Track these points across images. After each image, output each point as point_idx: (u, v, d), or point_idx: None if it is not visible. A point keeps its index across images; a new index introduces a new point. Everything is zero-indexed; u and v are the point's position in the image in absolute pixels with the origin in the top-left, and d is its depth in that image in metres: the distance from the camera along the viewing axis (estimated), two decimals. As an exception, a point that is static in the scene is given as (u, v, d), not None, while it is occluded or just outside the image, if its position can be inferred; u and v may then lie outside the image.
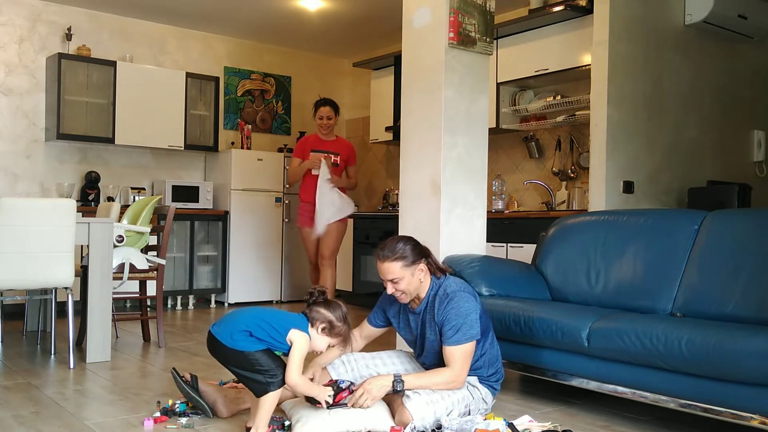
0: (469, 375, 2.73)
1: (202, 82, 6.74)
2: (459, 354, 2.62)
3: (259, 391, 2.44)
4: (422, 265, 2.71)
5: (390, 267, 2.66)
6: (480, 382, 2.76)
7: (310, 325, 2.53)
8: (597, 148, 4.54)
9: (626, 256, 3.31)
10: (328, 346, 2.58)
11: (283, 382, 2.43)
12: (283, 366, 2.44)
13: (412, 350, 3.04)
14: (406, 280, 2.67)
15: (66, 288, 3.78)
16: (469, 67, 3.89)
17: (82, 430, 2.62)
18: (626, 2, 4.58)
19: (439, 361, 2.75)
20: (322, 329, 2.52)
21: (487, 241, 4.12)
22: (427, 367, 2.88)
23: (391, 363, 2.93)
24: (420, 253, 2.73)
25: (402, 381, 2.58)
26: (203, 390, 2.79)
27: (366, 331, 3.03)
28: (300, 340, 2.45)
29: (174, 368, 2.88)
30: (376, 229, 6.46)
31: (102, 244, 3.91)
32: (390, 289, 2.71)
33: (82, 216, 4.14)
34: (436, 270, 2.79)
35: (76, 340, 4.06)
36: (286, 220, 6.97)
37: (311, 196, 5.33)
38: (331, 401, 2.50)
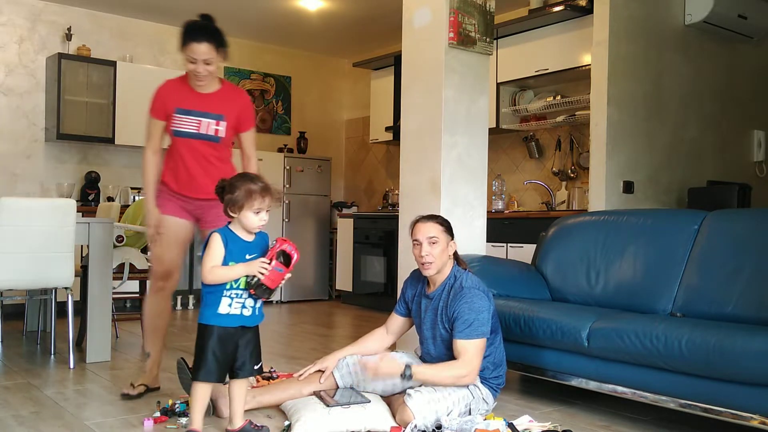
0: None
1: (202, 82, 6.73)
2: (471, 348, 2.63)
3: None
4: (454, 244, 2.81)
5: (433, 227, 2.76)
6: (482, 382, 2.76)
7: (231, 221, 2.44)
8: (597, 148, 4.54)
9: (626, 257, 3.31)
10: (266, 212, 2.41)
11: (204, 377, 2.37)
12: (212, 360, 2.36)
13: (415, 353, 3.04)
14: (441, 245, 2.74)
15: (66, 288, 3.78)
16: (469, 67, 3.89)
17: (82, 430, 2.62)
18: (626, 2, 4.59)
19: (436, 351, 2.78)
20: (239, 206, 2.37)
21: (487, 241, 4.12)
22: (425, 355, 2.90)
23: (395, 364, 2.93)
24: (452, 235, 2.83)
25: (410, 371, 2.60)
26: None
27: (393, 324, 3.04)
28: (210, 241, 2.39)
29: (182, 358, 2.86)
30: (376, 229, 6.46)
31: (102, 244, 3.91)
32: (425, 250, 2.73)
33: (82, 216, 4.14)
34: (460, 261, 2.86)
35: (76, 340, 4.06)
36: (287, 219, 6.97)
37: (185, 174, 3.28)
38: (265, 271, 2.33)
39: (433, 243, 2.74)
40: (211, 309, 2.38)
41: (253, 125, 3.31)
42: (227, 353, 2.40)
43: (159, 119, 3.19)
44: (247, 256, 2.39)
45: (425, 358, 2.93)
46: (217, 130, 3.19)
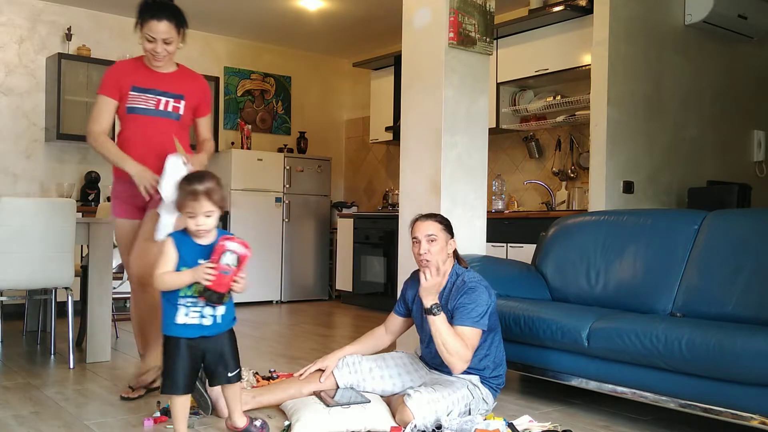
0: (472, 374, 2.75)
1: (202, 82, 6.74)
2: (469, 334, 2.62)
3: None
4: (453, 243, 2.83)
5: (432, 225, 2.78)
6: (482, 382, 2.77)
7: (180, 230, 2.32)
8: (597, 148, 4.54)
9: (626, 256, 3.31)
10: (207, 216, 2.23)
11: (169, 390, 2.24)
12: (175, 371, 2.23)
13: (415, 353, 3.05)
14: (440, 243, 2.75)
15: (66, 288, 3.79)
16: (469, 67, 3.89)
17: (82, 430, 2.62)
18: (626, 2, 4.59)
19: (437, 350, 2.76)
20: (179, 209, 2.26)
21: (487, 241, 4.12)
22: (426, 355, 2.90)
23: (394, 365, 2.93)
24: (452, 233, 2.85)
25: (439, 311, 2.58)
26: (208, 387, 2.78)
27: (392, 324, 3.03)
28: (163, 246, 2.29)
29: None
30: (376, 229, 6.46)
31: (102, 244, 3.91)
32: (423, 248, 2.74)
33: (82, 216, 4.14)
34: (460, 259, 2.88)
35: (76, 340, 4.06)
36: (287, 219, 6.96)
37: (140, 155, 3.06)
38: (210, 276, 2.15)
39: (432, 241, 2.75)
40: (170, 318, 2.24)
41: (210, 111, 3.25)
42: (193, 365, 2.27)
43: (112, 98, 2.98)
44: (200, 261, 2.22)
45: (425, 358, 2.94)
46: (176, 107, 3.03)
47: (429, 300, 2.60)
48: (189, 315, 2.23)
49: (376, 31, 6.80)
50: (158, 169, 2.90)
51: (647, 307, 3.10)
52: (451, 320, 2.67)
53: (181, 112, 3.03)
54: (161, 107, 2.98)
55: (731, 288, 2.86)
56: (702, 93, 5.12)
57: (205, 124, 3.23)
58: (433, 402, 2.57)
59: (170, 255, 2.24)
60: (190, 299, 2.23)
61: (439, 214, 2.90)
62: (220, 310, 2.26)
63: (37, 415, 2.80)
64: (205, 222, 2.23)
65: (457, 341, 2.59)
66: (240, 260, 2.20)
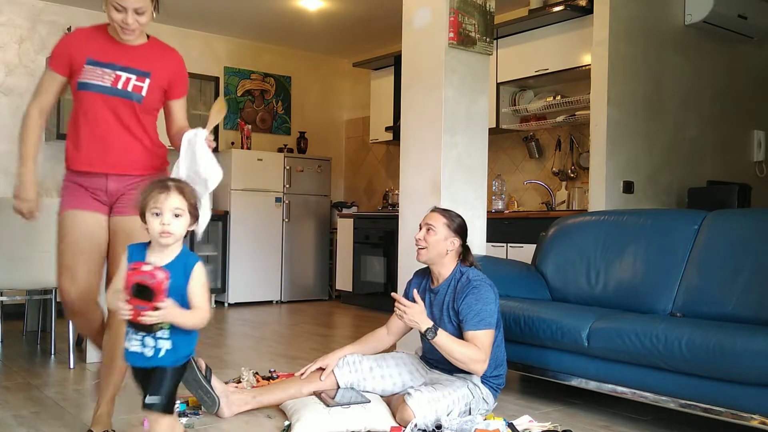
0: (473, 373, 2.75)
1: (201, 82, 6.74)
2: (482, 337, 2.65)
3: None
4: (457, 242, 2.84)
5: (435, 217, 2.84)
6: (482, 382, 2.77)
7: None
8: (597, 148, 4.54)
9: (626, 256, 3.31)
10: (176, 216, 1.88)
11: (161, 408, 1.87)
12: (162, 390, 1.87)
13: (416, 353, 3.05)
14: (438, 236, 2.80)
15: (66, 288, 3.77)
16: (469, 67, 3.89)
17: (82, 430, 2.62)
18: (626, 2, 4.59)
19: (430, 347, 2.76)
20: (142, 211, 1.89)
21: (487, 241, 4.12)
22: (428, 352, 2.91)
23: (395, 364, 2.93)
24: (462, 234, 2.87)
25: (436, 332, 2.60)
26: (213, 385, 2.78)
27: (394, 325, 3.03)
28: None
29: (192, 357, 2.84)
30: (376, 230, 6.46)
31: (102, 244, 3.90)
32: (420, 234, 2.83)
33: (82, 216, 4.13)
34: (466, 259, 2.89)
35: (76, 341, 4.05)
36: (287, 219, 6.96)
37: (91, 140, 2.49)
38: (125, 312, 1.78)
39: (429, 230, 2.80)
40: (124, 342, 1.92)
41: (186, 92, 2.62)
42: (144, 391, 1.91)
43: (59, 73, 2.45)
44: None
45: (427, 355, 2.94)
46: (138, 87, 2.44)
47: (423, 325, 2.62)
48: (131, 342, 1.87)
49: (376, 31, 6.80)
50: (110, 163, 2.42)
51: (647, 307, 3.10)
52: (460, 322, 2.69)
53: (144, 93, 2.44)
54: (119, 85, 2.42)
55: (731, 288, 2.86)
56: (702, 93, 5.12)
57: (180, 109, 2.60)
58: (434, 401, 2.58)
59: (121, 269, 1.88)
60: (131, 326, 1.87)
61: (453, 213, 2.90)
62: (165, 343, 1.85)
63: (37, 415, 2.80)
64: (170, 222, 1.85)
65: (467, 349, 2.62)
66: (154, 291, 1.75)
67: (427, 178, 3.84)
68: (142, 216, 1.88)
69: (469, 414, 2.67)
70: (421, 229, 2.85)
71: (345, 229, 6.87)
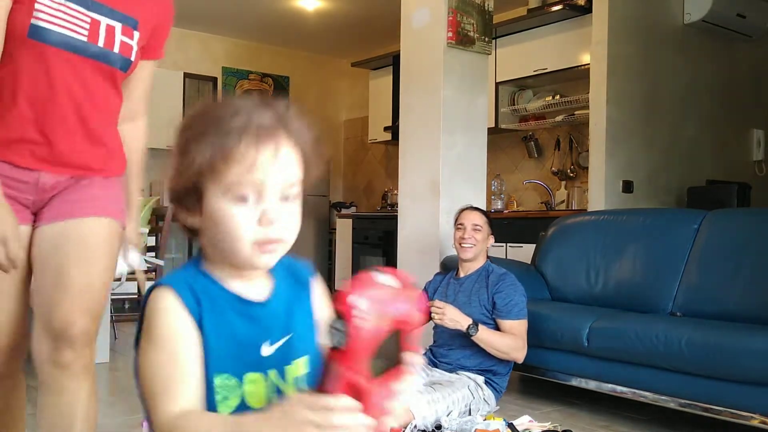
0: (478, 374, 2.77)
1: (200, 82, 6.74)
2: (519, 327, 2.81)
3: None
4: (492, 239, 3.04)
5: (479, 216, 3.02)
6: (486, 383, 2.77)
7: None
8: (596, 148, 4.54)
9: (626, 256, 3.31)
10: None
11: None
12: None
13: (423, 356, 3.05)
14: (483, 234, 2.98)
15: (64, 289, 3.73)
16: (468, 66, 3.89)
17: (81, 431, 2.61)
18: (625, 1, 4.58)
19: (449, 331, 2.81)
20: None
21: (487, 241, 4.11)
22: (438, 338, 2.94)
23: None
24: (493, 231, 3.07)
25: (477, 327, 2.71)
26: None
27: None
28: None
29: None
30: (376, 230, 6.45)
31: (100, 245, 3.88)
32: (468, 233, 2.96)
33: (81, 217, 4.10)
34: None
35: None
36: (285, 220, 6.96)
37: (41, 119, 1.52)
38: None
39: (477, 230, 2.96)
40: None
41: (163, 53, 1.74)
42: None
43: None
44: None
45: (438, 341, 2.95)
46: (127, 47, 1.58)
47: (464, 323, 2.72)
48: None
49: (374, 31, 6.80)
50: (67, 155, 1.55)
51: (647, 307, 3.10)
52: (497, 312, 2.82)
53: (134, 55, 1.60)
54: (100, 41, 1.53)
55: (731, 287, 2.86)
56: (701, 92, 5.11)
57: (147, 77, 1.73)
58: (433, 402, 2.57)
59: (184, 357, 0.98)
60: None
61: (485, 210, 3.13)
62: None
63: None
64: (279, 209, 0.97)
65: (508, 339, 2.78)
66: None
67: (426, 178, 3.84)
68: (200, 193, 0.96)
69: (469, 414, 2.66)
70: (462, 229, 2.97)
71: (344, 230, 6.86)
